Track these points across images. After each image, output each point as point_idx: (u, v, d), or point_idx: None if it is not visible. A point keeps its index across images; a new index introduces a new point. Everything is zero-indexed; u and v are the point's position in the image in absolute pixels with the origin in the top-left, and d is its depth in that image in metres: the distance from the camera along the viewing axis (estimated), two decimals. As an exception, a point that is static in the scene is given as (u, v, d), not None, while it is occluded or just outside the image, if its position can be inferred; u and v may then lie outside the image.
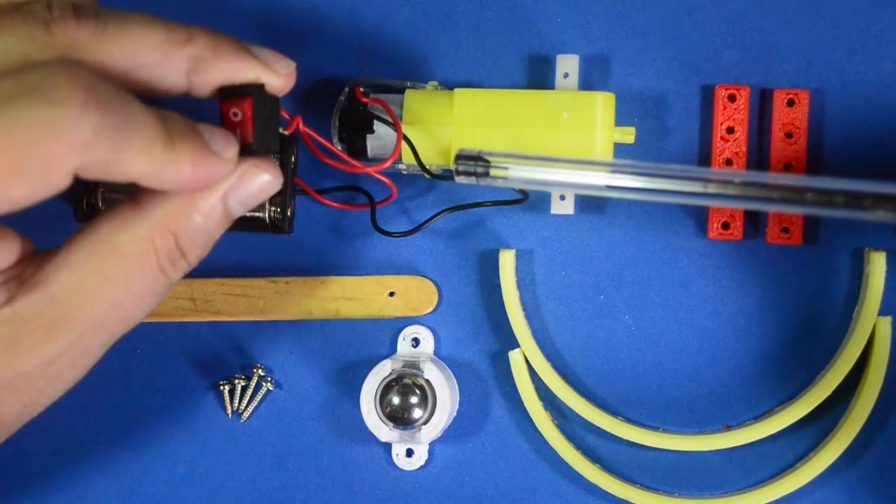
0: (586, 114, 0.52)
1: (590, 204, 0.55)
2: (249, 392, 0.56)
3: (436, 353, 0.56)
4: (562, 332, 0.56)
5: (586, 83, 0.55)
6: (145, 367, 0.57)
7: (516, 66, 0.56)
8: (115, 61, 0.41)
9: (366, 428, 0.54)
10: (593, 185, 0.47)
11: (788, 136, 0.54)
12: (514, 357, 0.55)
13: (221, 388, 0.56)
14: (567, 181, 0.47)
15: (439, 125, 0.53)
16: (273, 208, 0.53)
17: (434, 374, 0.53)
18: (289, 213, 0.54)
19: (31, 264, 0.41)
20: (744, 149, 0.54)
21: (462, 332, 0.56)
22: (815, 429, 0.54)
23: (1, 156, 0.36)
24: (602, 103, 0.52)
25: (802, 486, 0.53)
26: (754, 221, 0.55)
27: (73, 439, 0.57)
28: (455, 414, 0.55)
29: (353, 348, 0.56)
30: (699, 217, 0.55)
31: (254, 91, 0.44)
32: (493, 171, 0.48)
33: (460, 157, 0.48)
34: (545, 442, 0.54)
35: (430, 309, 0.56)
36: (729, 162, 0.54)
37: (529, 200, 0.54)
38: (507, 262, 0.55)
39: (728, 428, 0.54)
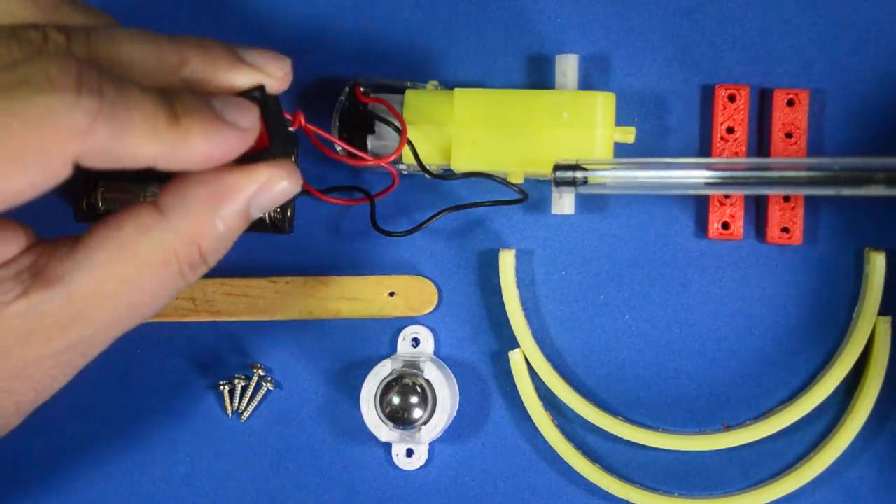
0: (586, 113, 0.52)
1: (590, 204, 0.55)
2: (249, 392, 0.56)
3: (436, 353, 0.56)
4: (562, 332, 0.56)
5: (586, 83, 0.55)
6: (145, 367, 0.57)
7: (516, 66, 0.56)
8: None
9: (366, 428, 0.54)
10: (691, 184, 0.49)
11: (788, 136, 0.54)
12: (514, 357, 0.55)
13: (221, 388, 0.56)
14: (665, 181, 0.49)
15: (439, 125, 0.53)
16: (274, 209, 0.54)
17: (434, 374, 0.53)
18: (289, 214, 0.54)
19: (42, 254, 0.41)
20: (744, 149, 0.54)
21: (462, 332, 0.56)
22: (815, 429, 0.54)
23: None
24: (602, 103, 0.52)
25: (802, 486, 0.53)
26: (754, 221, 0.55)
27: (73, 439, 0.57)
28: (455, 414, 0.55)
29: (353, 348, 0.56)
30: (699, 217, 0.55)
31: (258, 96, 0.43)
32: (591, 178, 0.50)
33: (558, 167, 0.50)
34: (545, 442, 0.54)
35: (430, 309, 0.56)
36: (729, 162, 0.54)
37: (529, 200, 0.54)
38: (507, 262, 0.55)
39: (728, 428, 0.54)
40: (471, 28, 0.56)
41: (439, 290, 0.56)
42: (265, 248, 0.57)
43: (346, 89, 0.54)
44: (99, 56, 0.40)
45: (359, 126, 0.53)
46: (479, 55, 0.56)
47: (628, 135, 0.53)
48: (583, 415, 0.54)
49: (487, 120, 0.52)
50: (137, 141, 0.38)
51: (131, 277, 0.41)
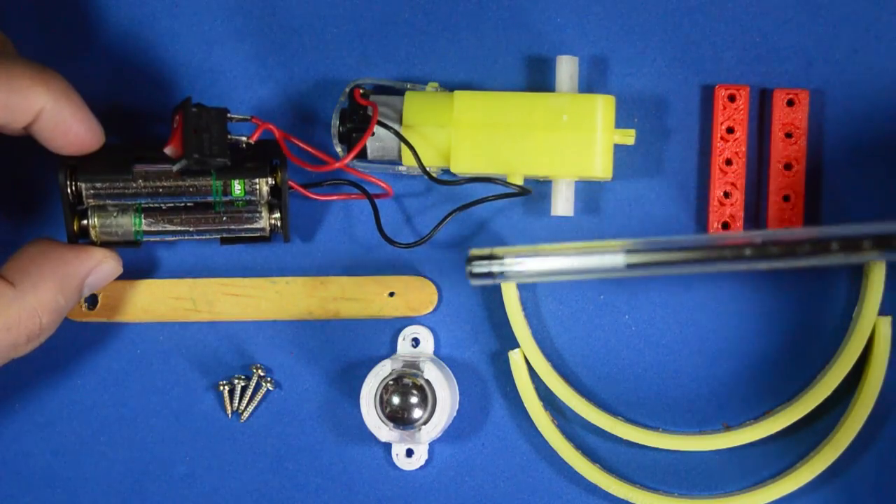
0: (586, 116, 0.52)
1: (590, 205, 0.55)
2: (249, 392, 0.56)
3: (436, 353, 0.56)
4: (562, 332, 0.56)
5: (586, 83, 0.55)
6: (145, 367, 0.57)
7: (516, 66, 0.56)
8: None
9: (366, 428, 0.54)
10: (609, 269, 0.48)
11: (788, 136, 0.54)
12: (514, 357, 0.55)
13: (221, 388, 0.56)
14: (581, 267, 0.48)
15: (439, 127, 0.53)
16: (273, 216, 0.54)
17: (434, 374, 0.53)
18: (286, 222, 0.54)
19: None
20: (744, 149, 0.54)
21: (462, 332, 0.56)
22: (815, 429, 0.54)
23: None
24: (602, 106, 0.52)
25: (802, 486, 0.53)
26: (755, 222, 0.55)
27: (73, 439, 0.57)
28: (455, 414, 0.55)
29: (353, 348, 0.56)
30: (699, 217, 0.55)
31: (183, 106, 0.50)
32: (508, 266, 0.49)
33: (474, 258, 0.49)
34: (545, 442, 0.54)
35: (430, 309, 0.56)
36: (729, 162, 0.54)
37: (529, 201, 0.54)
38: (507, 262, 0.55)
39: (728, 428, 0.54)
40: (471, 29, 0.56)
41: (439, 290, 0.56)
42: (265, 249, 0.57)
43: (346, 91, 0.54)
44: None
45: (358, 128, 0.53)
46: (479, 56, 0.56)
47: (628, 137, 0.53)
48: (583, 415, 0.54)
49: (487, 122, 0.52)
50: None
51: None
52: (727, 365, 0.55)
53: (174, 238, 0.54)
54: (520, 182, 0.53)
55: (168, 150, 0.50)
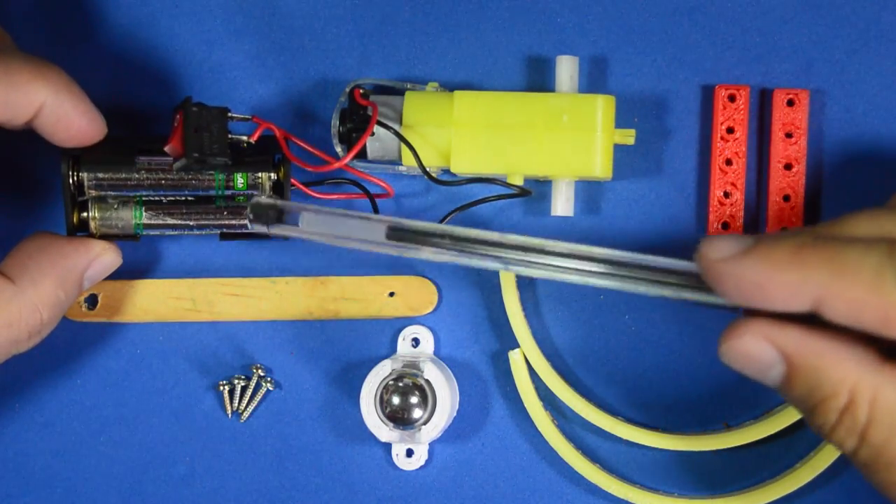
0: (586, 116, 0.52)
1: (590, 205, 0.55)
2: (249, 392, 0.56)
3: (436, 353, 0.56)
4: (562, 332, 0.56)
5: (586, 83, 0.55)
6: (145, 367, 0.57)
7: (516, 66, 0.56)
8: None
9: (366, 428, 0.54)
10: (374, 236, 0.46)
11: (788, 136, 0.54)
12: (514, 357, 0.55)
13: (221, 388, 0.56)
14: (351, 234, 0.47)
15: (439, 127, 0.53)
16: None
17: (434, 374, 0.53)
18: None
19: None
20: (744, 149, 0.54)
21: (462, 332, 0.56)
22: (815, 429, 0.54)
23: None
24: (602, 106, 0.52)
25: (802, 486, 0.53)
26: (754, 221, 0.55)
27: (73, 439, 0.57)
28: (455, 414, 0.55)
29: (353, 348, 0.56)
30: (699, 217, 0.55)
31: (183, 105, 0.50)
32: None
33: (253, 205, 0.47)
34: (545, 442, 0.54)
35: (430, 309, 0.56)
36: (729, 162, 0.54)
37: (529, 201, 0.54)
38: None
39: (728, 428, 0.54)
40: (470, 28, 0.56)
41: (439, 290, 0.56)
42: (265, 249, 0.57)
43: (346, 90, 0.54)
44: None
45: (358, 128, 0.53)
46: (479, 56, 0.56)
47: (628, 137, 0.53)
48: (583, 415, 0.54)
49: (487, 122, 0.52)
50: None
51: None
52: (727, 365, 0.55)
53: (174, 232, 0.54)
54: (520, 182, 0.53)
55: (168, 149, 0.50)
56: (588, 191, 0.55)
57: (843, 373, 0.39)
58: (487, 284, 0.56)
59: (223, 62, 0.56)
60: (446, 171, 0.54)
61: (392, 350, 0.56)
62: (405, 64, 0.56)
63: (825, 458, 0.53)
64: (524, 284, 0.56)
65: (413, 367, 0.54)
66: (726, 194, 0.54)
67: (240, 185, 0.53)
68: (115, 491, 0.57)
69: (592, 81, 0.55)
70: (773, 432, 0.53)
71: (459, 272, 0.56)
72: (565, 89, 0.53)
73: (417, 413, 0.53)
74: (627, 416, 0.55)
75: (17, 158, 0.56)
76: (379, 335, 0.56)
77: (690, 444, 0.54)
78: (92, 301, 0.56)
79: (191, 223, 0.53)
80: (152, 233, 0.54)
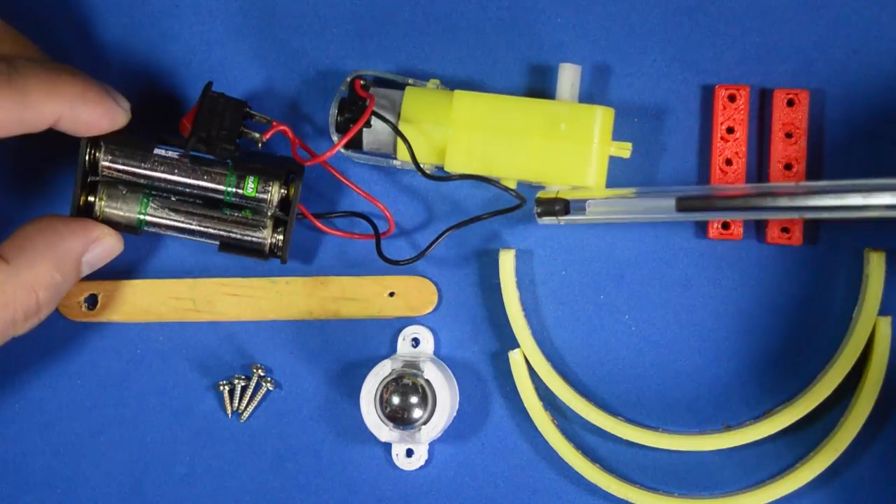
0: (584, 127, 0.52)
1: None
2: (249, 392, 0.56)
3: (436, 353, 0.56)
4: (562, 332, 0.56)
5: (586, 83, 0.55)
6: (145, 367, 0.57)
7: (518, 68, 0.56)
8: None
9: (366, 428, 0.54)
10: (663, 210, 0.50)
11: (788, 136, 0.54)
12: (514, 357, 0.55)
13: (221, 388, 0.56)
14: (638, 211, 0.51)
15: (436, 125, 0.53)
16: (276, 236, 0.54)
17: (434, 374, 0.53)
18: (286, 243, 0.54)
19: None
20: (744, 149, 0.54)
21: (462, 332, 0.56)
22: (815, 429, 0.54)
23: None
24: (601, 117, 0.52)
25: (802, 486, 0.53)
26: (754, 221, 0.55)
27: (73, 439, 0.57)
28: (455, 414, 0.55)
29: (353, 348, 0.56)
30: (699, 217, 0.55)
31: (205, 88, 0.51)
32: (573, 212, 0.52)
33: (540, 201, 0.52)
34: (545, 442, 0.54)
35: (430, 309, 0.56)
36: (729, 162, 0.54)
37: (529, 199, 0.54)
38: (507, 262, 0.55)
39: (728, 428, 0.54)
40: (474, 28, 0.56)
41: (439, 290, 0.56)
42: (265, 248, 0.57)
43: (347, 80, 0.54)
44: None
45: (355, 118, 0.53)
46: (482, 56, 0.56)
47: (624, 150, 0.53)
48: (583, 415, 0.54)
49: (484, 124, 0.52)
50: None
51: None
52: (727, 365, 0.55)
53: (175, 233, 0.54)
54: (513, 185, 0.53)
55: (181, 127, 0.52)
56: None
57: None
58: (487, 284, 0.56)
59: (223, 63, 0.56)
60: (440, 169, 0.54)
61: (392, 350, 0.56)
62: (406, 64, 0.56)
63: (825, 458, 0.53)
64: (524, 284, 0.56)
65: (413, 367, 0.54)
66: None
67: (250, 189, 0.53)
68: (115, 491, 0.57)
69: (592, 82, 0.55)
70: (773, 432, 0.53)
71: (459, 272, 0.56)
72: (566, 97, 0.53)
73: (417, 413, 0.53)
74: (627, 416, 0.55)
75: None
76: (379, 335, 0.56)
77: (690, 444, 0.54)
78: (92, 301, 0.56)
79: (193, 224, 0.54)
80: (153, 230, 0.54)
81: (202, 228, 0.54)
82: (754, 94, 0.55)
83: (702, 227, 0.55)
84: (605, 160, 0.52)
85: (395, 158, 0.54)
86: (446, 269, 0.56)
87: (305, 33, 0.56)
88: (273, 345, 0.57)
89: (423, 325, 0.56)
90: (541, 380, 0.54)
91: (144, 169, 0.53)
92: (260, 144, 0.53)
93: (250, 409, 0.56)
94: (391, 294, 0.56)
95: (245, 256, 0.55)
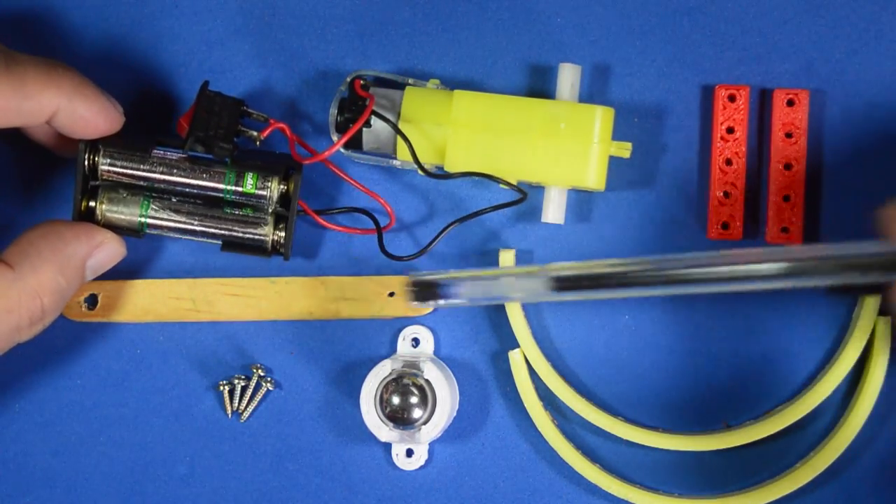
0: (584, 126, 0.52)
1: (590, 204, 0.55)
2: (249, 392, 0.56)
3: (436, 353, 0.56)
4: (562, 332, 0.56)
5: (585, 83, 0.55)
6: (145, 367, 0.57)
7: (518, 68, 0.56)
8: None
9: (366, 428, 0.54)
10: (539, 294, 0.49)
11: (788, 136, 0.54)
12: (514, 357, 0.55)
13: (221, 388, 0.56)
14: (508, 295, 0.50)
15: (436, 125, 0.53)
16: (277, 233, 0.54)
17: (434, 374, 0.53)
18: (289, 240, 0.54)
19: None
20: (744, 149, 0.54)
21: (462, 332, 0.56)
22: (815, 429, 0.54)
23: None
24: (601, 117, 0.52)
25: (802, 486, 0.53)
26: (754, 221, 0.55)
27: (73, 439, 0.57)
28: (455, 414, 0.55)
29: (353, 348, 0.56)
30: (699, 217, 0.55)
31: (201, 88, 0.52)
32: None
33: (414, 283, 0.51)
34: (545, 442, 0.54)
35: (430, 309, 0.56)
36: (729, 162, 0.54)
37: (529, 202, 0.54)
38: (508, 261, 0.55)
39: (728, 428, 0.54)
40: (475, 28, 0.56)
41: (439, 290, 0.56)
42: (265, 248, 0.57)
43: (347, 80, 0.54)
44: None
45: (355, 118, 0.53)
46: (482, 56, 0.56)
47: (624, 150, 0.53)
48: (583, 415, 0.54)
49: (484, 124, 0.52)
50: None
51: None
52: (727, 365, 0.55)
53: (177, 235, 0.54)
54: (513, 183, 0.53)
55: (178, 126, 0.52)
56: (587, 191, 0.55)
57: None
58: (487, 284, 0.56)
59: (223, 63, 0.56)
60: (440, 169, 0.54)
61: (392, 350, 0.56)
62: (406, 63, 0.56)
63: (825, 458, 0.53)
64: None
65: (413, 367, 0.54)
66: (726, 194, 0.54)
67: (249, 186, 0.53)
68: (115, 491, 0.57)
69: (592, 82, 0.55)
70: (773, 432, 0.53)
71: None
72: (565, 97, 0.53)
73: (417, 413, 0.53)
74: (627, 416, 0.55)
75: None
76: (379, 335, 0.56)
77: (690, 444, 0.54)
78: (92, 301, 0.56)
79: (195, 224, 0.54)
80: (155, 232, 0.54)
81: (204, 228, 0.54)
82: (754, 94, 0.55)
83: (702, 227, 0.55)
84: (605, 160, 0.52)
85: (395, 158, 0.54)
86: (446, 269, 0.56)
87: (305, 33, 0.56)
88: (273, 345, 0.57)
89: (423, 325, 0.56)
90: (541, 380, 0.54)
91: (144, 171, 0.53)
92: (258, 143, 0.53)
93: (250, 409, 0.56)
94: (391, 294, 0.56)
95: (248, 255, 0.55)
